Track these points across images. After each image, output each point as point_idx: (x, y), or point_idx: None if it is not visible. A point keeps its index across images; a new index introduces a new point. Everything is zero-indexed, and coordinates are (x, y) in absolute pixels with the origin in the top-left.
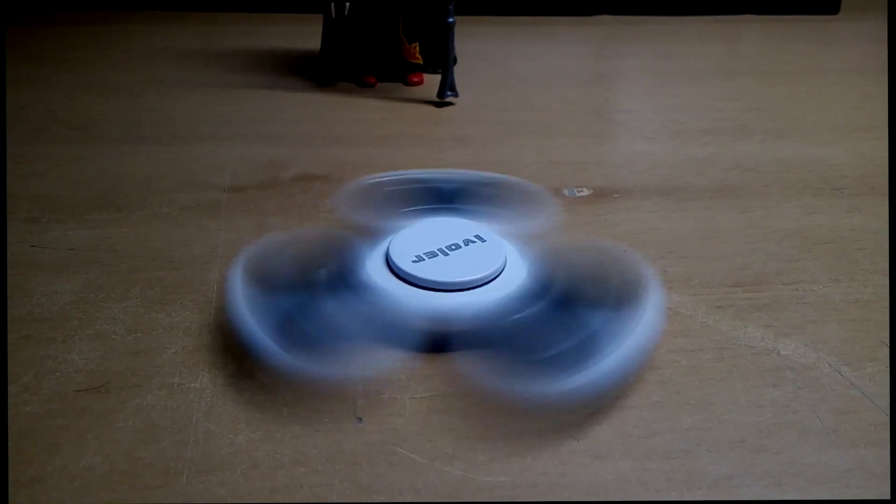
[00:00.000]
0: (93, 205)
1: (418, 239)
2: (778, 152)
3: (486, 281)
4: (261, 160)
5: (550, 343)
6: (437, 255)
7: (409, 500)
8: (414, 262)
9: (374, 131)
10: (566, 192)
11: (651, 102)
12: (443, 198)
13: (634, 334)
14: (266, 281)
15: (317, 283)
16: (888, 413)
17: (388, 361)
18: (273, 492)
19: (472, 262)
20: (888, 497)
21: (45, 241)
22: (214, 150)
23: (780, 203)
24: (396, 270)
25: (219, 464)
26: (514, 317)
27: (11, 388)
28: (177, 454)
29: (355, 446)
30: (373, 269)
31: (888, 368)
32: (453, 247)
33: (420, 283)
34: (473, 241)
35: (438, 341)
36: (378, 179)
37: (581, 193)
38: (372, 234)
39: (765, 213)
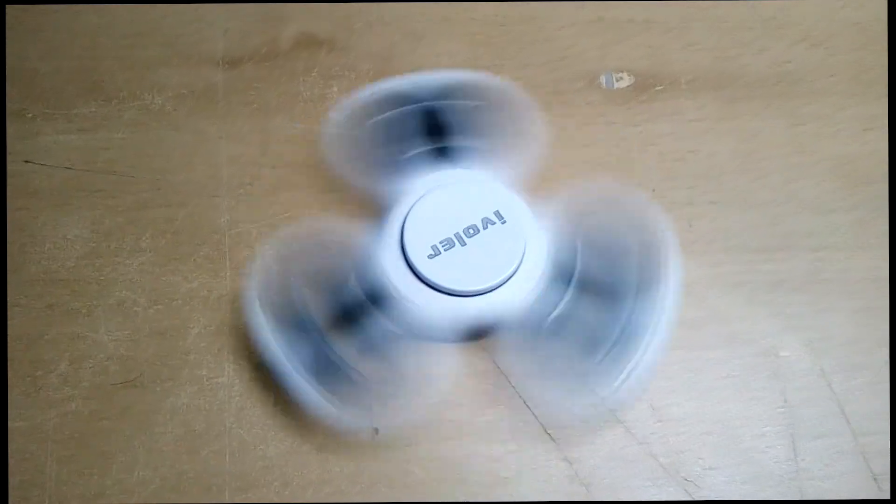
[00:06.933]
0: (77, 90)
1: (433, 220)
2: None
3: (506, 279)
4: (255, 14)
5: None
6: (455, 244)
7: None
8: (430, 256)
9: None
10: (603, 79)
11: None
12: (435, 131)
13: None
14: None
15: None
16: None
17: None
18: None
19: (490, 255)
20: (888, 497)
21: (37, 154)
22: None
23: (838, 110)
24: (414, 270)
25: (254, 480)
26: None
27: (51, 378)
28: (217, 468)
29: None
30: (389, 266)
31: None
32: (471, 231)
33: (440, 288)
34: (493, 223)
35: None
36: (357, 105)
37: (620, 83)
38: (377, 207)
39: (818, 128)
